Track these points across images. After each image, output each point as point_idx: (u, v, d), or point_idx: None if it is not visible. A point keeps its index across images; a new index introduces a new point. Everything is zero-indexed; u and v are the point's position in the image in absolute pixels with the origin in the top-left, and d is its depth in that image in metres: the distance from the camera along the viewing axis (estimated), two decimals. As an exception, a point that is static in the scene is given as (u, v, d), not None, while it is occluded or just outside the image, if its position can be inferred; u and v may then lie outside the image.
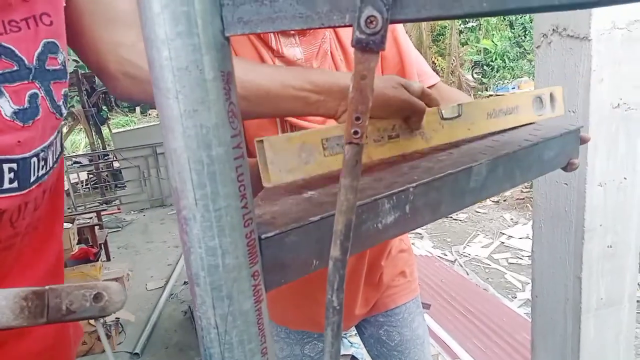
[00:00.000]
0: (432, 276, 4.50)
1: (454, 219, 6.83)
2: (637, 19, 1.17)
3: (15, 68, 0.59)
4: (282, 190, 0.54)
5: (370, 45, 0.33)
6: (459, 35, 10.95)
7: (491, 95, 9.40)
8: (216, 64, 0.34)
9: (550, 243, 1.43)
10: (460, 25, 10.74)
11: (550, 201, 1.40)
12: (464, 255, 5.70)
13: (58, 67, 0.65)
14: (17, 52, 0.58)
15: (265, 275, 0.41)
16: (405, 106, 0.62)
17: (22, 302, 0.48)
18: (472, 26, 11.49)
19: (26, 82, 0.60)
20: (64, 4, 0.66)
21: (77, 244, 4.75)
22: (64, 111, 0.67)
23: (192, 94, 0.33)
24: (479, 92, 10.11)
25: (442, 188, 0.56)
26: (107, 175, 9.56)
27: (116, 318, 3.76)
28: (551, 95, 0.77)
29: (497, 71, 10.52)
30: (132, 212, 8.47)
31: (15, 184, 0.59)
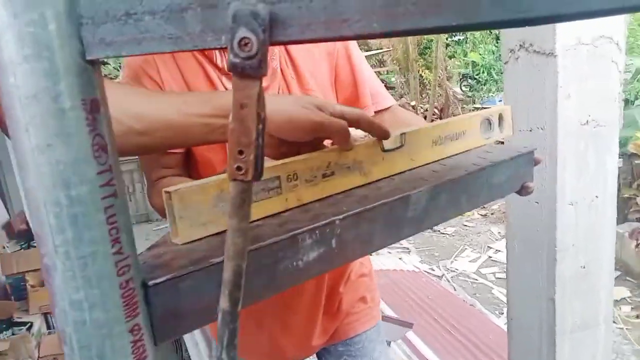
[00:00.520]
0: (418, 292, 4.45)
1: (441, 233, 6.80)
2: (602, 35, 1.15)
3: None
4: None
5: (246, 71, 0.29)
6: (446, 48, 11.02)
7: (477, 108, 9.45)
8: (75, 91, 0.29)
9: (524, 263, 1.40)
10: (447, 38, 10.83)
11: (522, 220, 1.37)
12: (451, 270, 5.66)
13: None
14: None
15: (155, 327, 0.37)
16: (317, 127, 0.58)
17: None
18: (459, 39, 11.59)
19: None
20: None
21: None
22: None
23: (44, 125, 0.29)
24: (466, 105, 10.16)
25: (375, 219, 0.52)
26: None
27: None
28: (500, 116, 0.73)
29: (484, 84, 10.61)
30: (118, 228, 8.30)
31: None
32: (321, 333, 1.05)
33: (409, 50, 10.48)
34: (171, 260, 0.41)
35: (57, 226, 0.30)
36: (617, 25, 1.16)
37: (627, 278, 4.53)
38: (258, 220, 0.50)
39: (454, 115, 9.43)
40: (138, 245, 0.35)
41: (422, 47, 11.12)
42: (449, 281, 5.36)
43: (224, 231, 0.35)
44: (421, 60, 11.09)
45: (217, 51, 0.85)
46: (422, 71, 10.87)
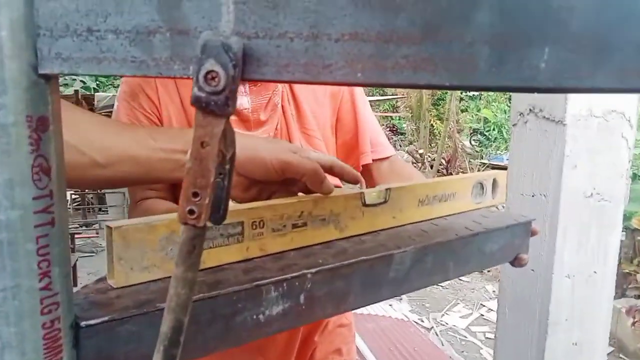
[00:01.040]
0: (405, 343, 4.33)
1: (435, 285, 6.68)
2: (614, 109, 1.13)
3: None
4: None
5: (210, 107, 0.26)
6: (459, 102, 11.13)
7: (484, 163, 9.45)
8: (21, 106, 0.27)
9: (514, 331, 1.34)
10: (461, 93, 10.96)
11: (515, 286, 1.32)
12: (441, 324, 5.53)
13: None
14: None
15: (84, 372, 0.33)
16: (285, 166, 0.56)
17: None
18: (473, 95, 11.74)
19: None
20: None
21: (43, 265, 4.55)
22: None
23: (-22, 139, 0.26)
24: (474, 159, 10.17)
25: (352, 276, 0.48)
26: (91, 198, 9.41)
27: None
28: (494, 181, 0.70)
29: (494, 141, 10.65)
30: (110, 238, 8.22)
31: None
32: (292, 382, 0.99)
33: (423, 99, 10.59)
34: (115, 299, 0.37)
35: (-22, 252, 0.27)
36: (629, 101, 1.15)
37: (621, 355, 4.39)
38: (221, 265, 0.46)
39: (460, 168, 9.43)
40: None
41: (436, 97, 11.25)
42: (437, 335, 5.22)
43: (170, 277, 0.32)
44: (434, 110, 11.20)
45: None
46: (434, 121, 10.95)
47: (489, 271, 7.15)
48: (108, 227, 0.39)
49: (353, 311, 1.14)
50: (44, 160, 0.28)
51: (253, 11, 0.26)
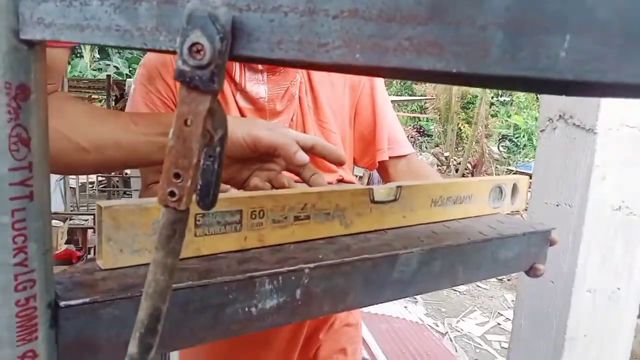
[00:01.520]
0: (418, 346, 4.28)
1: (452, 289, 6.61)
2: (649, 120, 1.07)
3: None
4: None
5: (195, 82, 0.24)
6: (490, 107, 10.93)
7: (511, 170, 9.25)
8: None
9: (529, 344, 1.29)
10: (492, 97, 10.75)
11: (533, 297, 1.27)
12: (456, 330, 5.45)
13: None
14: None
15: (62, 355, 0.32)
16: (257, 141, 0.58)
17: None
18: (504, 100, 11.50)
19: None
20: None
21: (66, 243, 4.67)
22: None
23: (-47, 105, 0.25)
24: (500, 165, 9.98)
25: (353, 274, 0.46)
26: (117, 181, 9.60)
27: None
28: (514, 186, 0.66)
29: (522, 148, 10.44)
30: (133, 222, 8.37)
31: None
32: (293, 379, 0.98)
33: (452, 102, 10.44)
34: (100, 281, 0.36)
35: (-51, 223, 0.26)
36: (667, 112, 1.09)
37: (642, 377, 4.25)
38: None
39: (486, 173, 9.26)
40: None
41: (465, 100, 11.08)
42: (451, 340, 5.14)
43: None
44: (462, 113, 11.03)
45: (237, 64, 0.82)
46: (462, 124, 10.79)
47: (508, 279, 7.02)
48: (99, 206, 0.37)
49: (367, 311, 1.11)
50: (22, 131, 0.27)
51: (246, -19, 0.24)
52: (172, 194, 0.26)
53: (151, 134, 0.58)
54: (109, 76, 8.98)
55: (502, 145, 11.44)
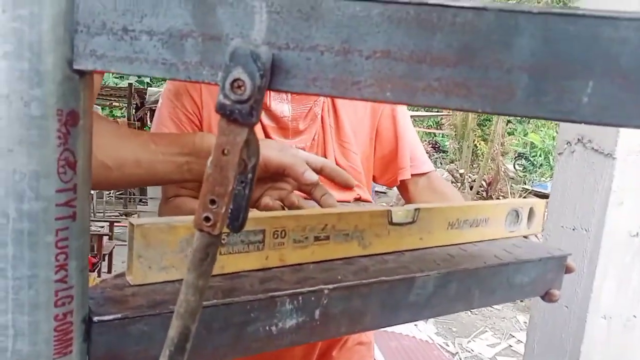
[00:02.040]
0: (427, 365, 4.23)
1: (464, 309, 6.49)
2: (670, 146, 1.07)
3: None
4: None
5: (234, 115, 0.26)
6: (506, 124, 10.87)
7: (527, 189, 9.17)
8: (53, 99, 0.27)
9: (541, 369, 1.28)
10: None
11: (547, 322, 1.26)
12: (466, 350, 5.37)
13: None
14: None
15: (92, 367, 0.33)
16: (266, 161, 0.60)
17: None
18: (521, 118, 11.45)
19: None
20: None
21: (81, 249, 4.71)
22: None
23: (9, 129, 0.27)
24: (516, 184, 9.89)
25: (370, 296, 0.46)
26: (133, 189, 9.71)
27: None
28: (531, 210, 0.67)
29: (539, 167, 10.34)
30: (147, 230, 8.44)
31: None
32: (305, 396, 0.98)
33: (468, 119, 10.41)
34: (130, 297, 0.37)
35: (-1, 239, 0.27)
36: (687, 139, 1.08)
37: (658, 406, 4.14)
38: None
39: (501, 192, 9.18)
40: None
41: (482, 118, 11.04)
42: (461, 361, 5.07)
43: None
44: (479, 130, 10.98)
45: None
46: (478, 141, 10.74)
47: (521, 301, 6.91)
48: (131, 224, 0.39)
49: (371, 332, 1.12)
50: (70, 155, 0.28)
51: (286, 21, 0.25)
52: (207, 219, 0.28)
53: (169, 154, 0.60)
54: (130, 84, 9.15)
55: (518, 164, 11.35)
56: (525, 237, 0.68)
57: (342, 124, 0.89)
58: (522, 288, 0.59)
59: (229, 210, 0.29)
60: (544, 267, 0.60)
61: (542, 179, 9.76)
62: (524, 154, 11.26)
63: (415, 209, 0.55)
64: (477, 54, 0.24)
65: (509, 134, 11.21)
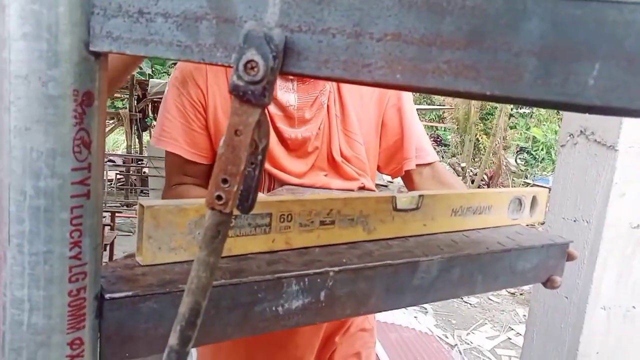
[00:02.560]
0: (426, 356, 4.25)
1: (463, 301, 6.55)
2: (671, 139, 1.07)
3: None
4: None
5: (247, 96, 0.26)
6: (509, 118, 10.84)
7: (528, 183, 9.16)
8: (69, 80, 0.28)
9: (540, 358, 1.29)
10: (511, 109, 10.67)
11: (546, 312, 1.27)
12: (465, 342, 5.40)
13: None
14: None
15: (103, 345, 0.34)
16: None
17: None
18: (524, 112, 11.41)
19: None
20: None
21: (83, 239, 4.72)
22: None
23: (27, 108, 0.27)
24: (517, 178, 9.89)
25: (375, 279, 0.47)
26: (135, 179, 9.73)
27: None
28: (533, 199, 0.68)
29: (540, 162, 10.33)
30: (149, 219, 8.46)
31: None
32: (308, 380, 0.99)
33: (471, 112, 10.38)
34: (140, 276, 0.38)
35: (16, 215, 0.28)
36: (690, 131, 1.09)
37: (655, 399, 4.16)
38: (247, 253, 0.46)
39: (503, 185, 9.18)
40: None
41: (484, 112, 11.01)
42: (460, 353, 5.10)
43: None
44: (481, 124, 10.95)
45: None
46: (480, 135, 10.72)
47: (521, 294, 6.93)
48: (141, 205, 0.40)
49: (376, 319, 1.13)
50: (85, 134, 0.29)
51: (298, 4, 0.26)
52: (219, 197, 0.28)
53: None
54: (132, 76, 9.13)
55: (519, 158, 11.34)
56: (527, 225, 0.69)
57: (348, 114, 0.90)
58: (524, 274, 0.59)
59: (239, 191, 0.30)
60: (545, 254, 0.61)
61: (544, 173, 9.75)
62: (525, 148, 11.24)
63: (420, 196, 0.56)
64: (486, 37, 0.25)
65: (511, 127, 11.18)
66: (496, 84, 0.25)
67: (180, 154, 0.86)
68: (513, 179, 9.63)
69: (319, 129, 0.88)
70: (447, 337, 5.36)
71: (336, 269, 0.44)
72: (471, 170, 10.28)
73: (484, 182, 9.48)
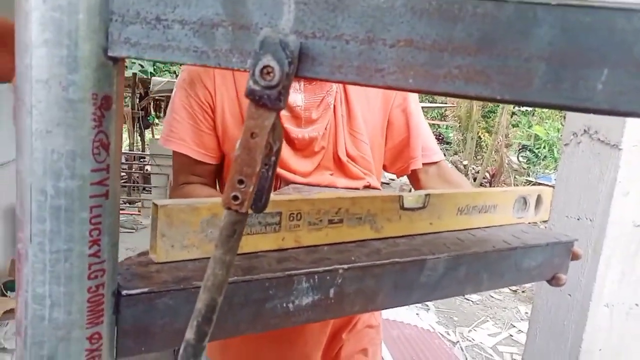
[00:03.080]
0: (428, 353, 4.27)
1: (465, 298, 6.55)
2: (676, 138, 1.08)
3: None
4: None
5: (263, 100, 0.27)
6: (511, 116, 10.82)
7: (531, 181, 9.16)
8: (89, 84, 0.28)
9: (542, 355, 1.30)
10: (513, 107, 10.65)
11: (550, 309, 1.28)
12: (467, 339, 5.41)
13: None
14: None
15: (120, 339, 0.35)
16: None
17: None
18: (526, 110, 11.39)
19: None
20: None
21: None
22: None
23: (48, 112, 0.28)
24: (520, 176, 9.89)
25: (383, 277, 0.48)
26: (137, 177, 9.75)
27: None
28: (538, 197, 0.68)
29: (543, 159, 10.32)
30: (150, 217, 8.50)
31: None
32: (315, 375, 1.00)
33: (473, 110, 10.37)
34: (155, 273, 0.39)
35: (38, 215, 0.29)
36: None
37: (657, 396, 4.17)
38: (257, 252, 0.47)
39: (505, 183, 9.19)
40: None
41: (486, 109, 10.99)
42: (462, 350, 5.11)
43: (208, 258, 0.33)
44: (483, 122, 10.95)
45: None
46: (482, 133, 10.71)
47: (523, 291, 6.94)
48: (154, 204, 0.41)
49: (380, 315, 1.14)
50: (104, 136, 0.30)
51: (313, 12, 0.27)
52: (235, 198, 0.29)
53: None
54: (134, 74, 9.15)
55: (521, 156, 11.33)
56: (530, 223, 0.70)
57: (354, 114, 0.90)
58: (529, 272, 0.60)
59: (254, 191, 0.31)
60: (551, 252, 0.62)
61: (546, 171, 9.73)
62: (527, 146, 11.23)
63: (426, 195, 0.57)
64: (496, 44, 0.25)
65: (514, 126, 11.16)
66: (506, 88, 0.26)
67: (189, 154, 0.87)
68: (515, 177, 9.62)
69: (326, 129, 0.89)
70: (449, 334, 5.37)
71: (345, 266, 0.45)
72: (473, 168, 10.27)
73: (486, 180, 9.48)
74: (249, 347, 0.98)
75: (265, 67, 0.26)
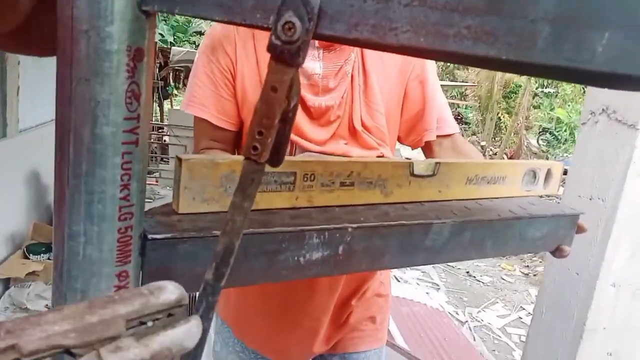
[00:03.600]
0: (436, 331, 4.32)
1: (476, 280, 6.57)
2: (695, 119, 1.07)
3: None
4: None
5: (284, 55, 0.29)
6: (533, 98, 10.64)
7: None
8: (124, 36, 0.31)
9: (548, 332, 1.32)
10: (536, 88, 10.45)
11: (557, 287, 1.30)
12: (476, 320, 5.45)
13: None
14: None
15: (146, 279, 0.38)
16: None
17: None
18: (549, 92, 11.17)
19: None
20: None
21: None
22: None
23: (87, 61, 0.30)
24: (539, 159, 9.77)
25: (390, 237, 0.50)
26: (155, 147, 9.87)
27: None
28: (548, 171, 0.69)
29: (563, 143, 10.18)
30: (168, 187, 8.62)
31: None
32: (324, 341, 1.04)
33: (494, 90, 10.20)
34: (177, 222, 0.42)
35: (75, 159, 0.32)
36: None
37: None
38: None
39: (522, 166, 9.07)
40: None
41: (508, 90, 10.80)
42: (470, 330, 5.16)
43: (226, 212, 0.36)
44: (504, 102, 10.78)
45: None
46: (502, 114, 10.56)
47: (534, 275, 6.93)
48: (178, 158, 0.43)
49: (390, 285, 1.17)
50: (136, 87, 0.32)
51: (333, -29, 0.28)
52: (254, 148, 0.31)
53: None
54: (154, 43, 9.17)
55: (542, 139, 11.17)
56: (545, 197, 0.71)
57: (371, 84, 0.91)
58: (533, 242, 0.62)
59: (272, 143, 0.33)
60: (555, 223, 0.63)
61: (567, 154, 9.59)
62: (548, 129, 11.05)
63: (436, 163, 0.58)
64: (505, 5, 0.27)
65: (535, 107, 10.97)
66: (512, 49, 0.27)
67: (209, 119, 0.89)
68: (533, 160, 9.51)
69: (342, 98, 0.90)
70: (457, 313, 5.41)
71: (354, 225, 0.48)
72: (491, 149, 10.17)
73: (503, 162, 9.38)
74: (260, 311, 1.02)
75: (286, 22, 0.28)
